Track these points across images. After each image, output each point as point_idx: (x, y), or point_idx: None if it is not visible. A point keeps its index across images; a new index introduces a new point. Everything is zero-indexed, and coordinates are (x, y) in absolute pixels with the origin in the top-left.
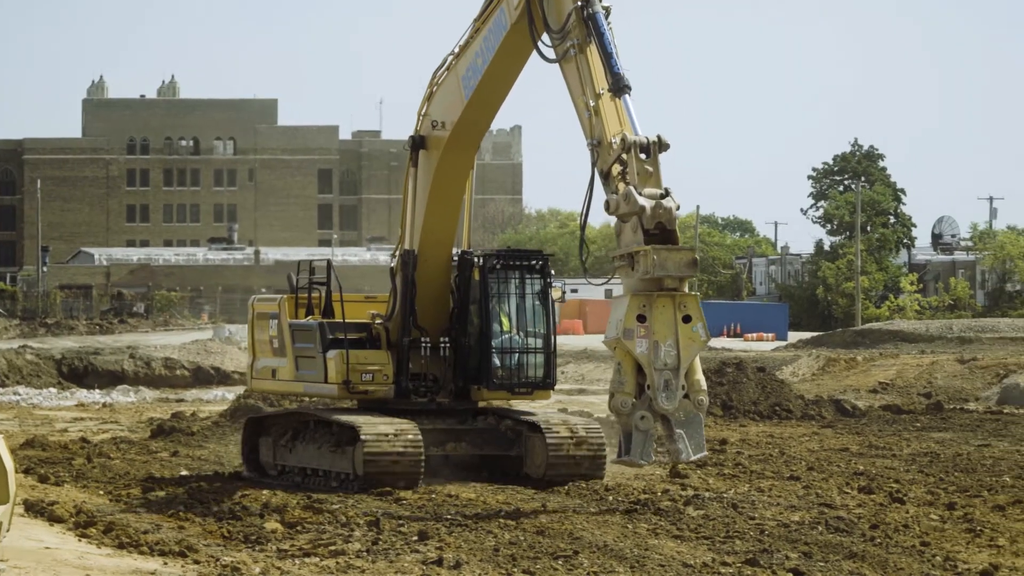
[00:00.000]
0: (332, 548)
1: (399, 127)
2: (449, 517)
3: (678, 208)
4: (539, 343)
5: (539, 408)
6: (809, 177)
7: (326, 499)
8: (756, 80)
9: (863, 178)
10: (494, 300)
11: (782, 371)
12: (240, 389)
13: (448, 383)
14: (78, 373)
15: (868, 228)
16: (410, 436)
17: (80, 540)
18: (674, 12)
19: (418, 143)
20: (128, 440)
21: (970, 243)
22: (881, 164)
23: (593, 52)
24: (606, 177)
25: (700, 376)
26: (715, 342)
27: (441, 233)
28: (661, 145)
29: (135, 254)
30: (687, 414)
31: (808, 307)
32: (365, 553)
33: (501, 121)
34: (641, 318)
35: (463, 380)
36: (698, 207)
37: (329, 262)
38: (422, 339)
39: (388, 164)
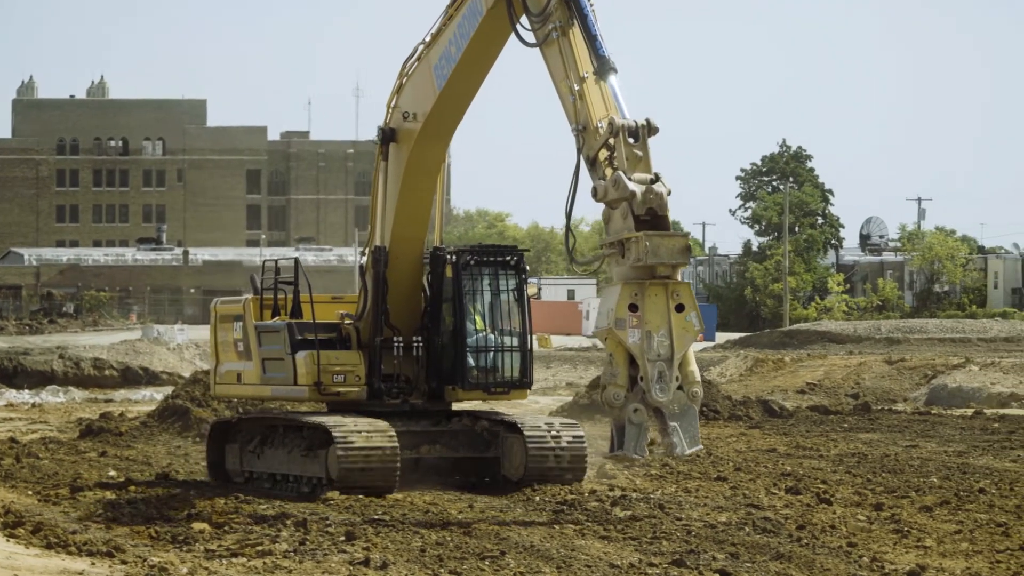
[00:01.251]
0: (259, 548)
1: (327, 128)
2: (376, 518)
3: (669, 193)
4: (515, 341)
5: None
6: (737, 178)
7: (253, 499)
8: (684, 79)
9: (791, 179)
10: (468, 298)
11: (710, 372)
12: (168, 389)
13: (421, 384)
14: (7, 373)
15: (796, 229)
16: (386, 437)
17: (8, 540)
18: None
19: (388, 136)
20: (57, 440)
21: (898, 244)
22: (809, 165)
23: (576, 35)
24: (592, 163)
25: (694, 367)
26: None
27: (412, 228)
28: (650, 129)
29: (64, 254)
30: (681, 406)
31: (736, 308)
32: (292, 553)
33: None
34: (633, 307)
35: (437, 381)
36: None
37: (297, 261)
38: (394, 339)
39: (316, 165)
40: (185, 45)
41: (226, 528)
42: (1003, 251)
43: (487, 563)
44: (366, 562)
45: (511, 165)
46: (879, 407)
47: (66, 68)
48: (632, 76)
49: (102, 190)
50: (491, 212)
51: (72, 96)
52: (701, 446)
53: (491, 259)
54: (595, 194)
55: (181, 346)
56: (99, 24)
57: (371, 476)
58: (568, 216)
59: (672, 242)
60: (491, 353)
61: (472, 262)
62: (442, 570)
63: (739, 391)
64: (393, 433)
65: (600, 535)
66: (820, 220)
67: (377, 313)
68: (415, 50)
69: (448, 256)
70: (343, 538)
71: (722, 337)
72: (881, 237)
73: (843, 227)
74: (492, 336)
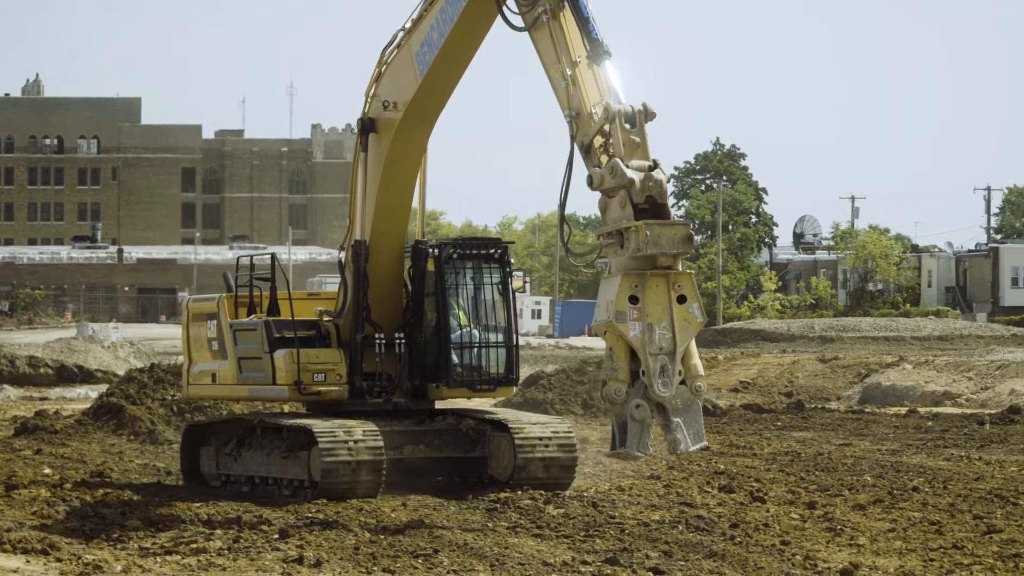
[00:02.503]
0: (193, 546)
1: (261, 126)
2: (310, 516)
3: (668, 180)
4: (500, 337)
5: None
6: (671, 176)
7: (188, 497)
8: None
9: (725, 177)
10: (451, 292)
11: None
12: (103, 387)
13: (404, 382)
14: None
15: (730, 227)
16: (370, 438)
17: None
18: None
19: (367, 126)
20: None
21: (831, 242)
22: (743, 163)
23: (567, 18)
24: (587, 150)
25: (697, 360)
26: (575, 341)
27: (393, 222)
28: (647, 114)
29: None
30: (685, 401)
31: None
32: (226, 551)
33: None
34: (633, 299)
35: (420, 378)
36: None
37: (274, 256)
38: (376, 336)
39: (251, 163)
40: (120, 43)
41: (160, 526)
42: (937, 250)
43: (420, 561)
44: (300, 560)
45: (443, 162)
46: (812, 405)
47: (0, 66)
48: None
49: (37, 188)
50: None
51: (7, 94)
52: (705, 442)
53: (474, 252)
54: (591, 182)
55: (116, 344)
56: (34, 22)
57: (356, 479)
58: (562, 207)
59: (673, 231)
60: (476, 349)
61: (455, 255)
62: (376, 568)
63: None
64: (379, 434)
65: (533, 533)
66: (754, 219)
67: (358, 309)
68: (394, 36)
69: (430, 249)
70: (277, 536)
71: None
72: (815, 236)
73: (776, 225)
74: (476, 332)
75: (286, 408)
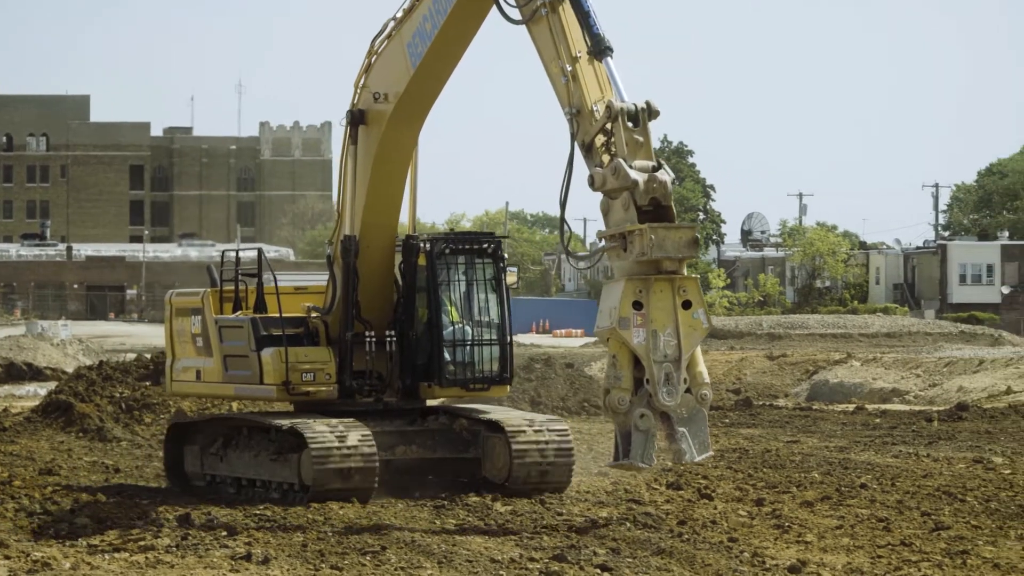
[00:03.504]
0: (141, 543)
1: (210, 124)
2: (258, 512)
3: (673, 181)
4: (494, 334)
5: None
6: None
7: (136, 494)
8: None
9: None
10: (443, 288)
11: (591, 367)
12: (52, 385)
13: (395, 381)
14: None
15: None
16: (363, 440)
17: None
18: None
19: (357, 118)
20: None
21: (779, 239)
22: (690, 160)
23: (567, 11)
24: (588, 149)
25: (703, 368)
26: (523, 338)
27: (383, 216)
28: (651, 112)
29: None
30: (690, 410)
31: None
32: (174, 548)
33: (312, 117)
34: (637, 305)
35: (411, 377)
36: (507, 203)
37: (260, 251)
38: (366, 333)
39: (200, 160)
40: (69, 41)
41: (109, 523)
42: (884, 247)
43: (368, 558)
44: (248, 557)
45: None
46: (760, 402)
47: None
48: (507, 73)
49: None
50: None
51: None
52: (711, 452)
53: (467, 247)
54: (592, 183)
55: (65, 341)
56: None
57: (349, 482)
58: (563, 207)
59: (678, 234)
60: (468, 347)
61: (447, 250)
62: (324, 565)
63: None
64: (371, 436)
65: (481, 530)
66: (702, 216)
67: (347, 306)
68: (385, 26)
69: (422, 244)
70: (225, 533)
71: None
72: (762, 232)
73: (724, 223)
74: (469, 329)
75: (234, 406)
